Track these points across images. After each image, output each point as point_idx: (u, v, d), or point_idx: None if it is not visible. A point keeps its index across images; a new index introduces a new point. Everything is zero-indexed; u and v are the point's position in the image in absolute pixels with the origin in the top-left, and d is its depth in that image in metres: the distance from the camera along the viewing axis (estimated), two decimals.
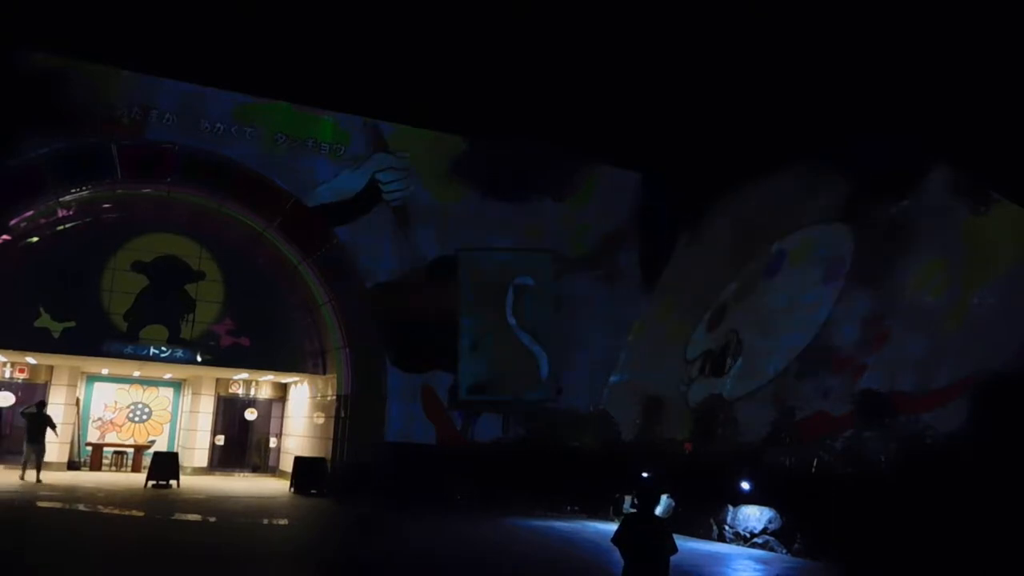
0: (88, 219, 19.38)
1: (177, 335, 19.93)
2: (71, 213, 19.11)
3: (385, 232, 20.64)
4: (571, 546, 14.19)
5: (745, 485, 14.79)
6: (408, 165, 20.98)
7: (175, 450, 22.22)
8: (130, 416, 23.93)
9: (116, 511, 14.94)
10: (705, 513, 15.51)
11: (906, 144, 15.80)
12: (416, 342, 20.42)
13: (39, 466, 18.89)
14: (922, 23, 15.84)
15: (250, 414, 24.53)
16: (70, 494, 16.72)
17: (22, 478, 18.63)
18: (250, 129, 19.80)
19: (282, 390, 24.98)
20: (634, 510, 7.48)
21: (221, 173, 19.38)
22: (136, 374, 23.38)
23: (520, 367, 21.12)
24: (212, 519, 15.05)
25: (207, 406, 23.82)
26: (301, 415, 23.35)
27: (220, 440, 23.94)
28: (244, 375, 23.48)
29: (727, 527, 15.14)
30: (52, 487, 17.73)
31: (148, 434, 23.90)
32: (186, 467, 21.52)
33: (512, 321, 21.20)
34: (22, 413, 20.17)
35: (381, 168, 20.78)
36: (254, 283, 20.57)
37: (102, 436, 23.32)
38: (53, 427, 19.64)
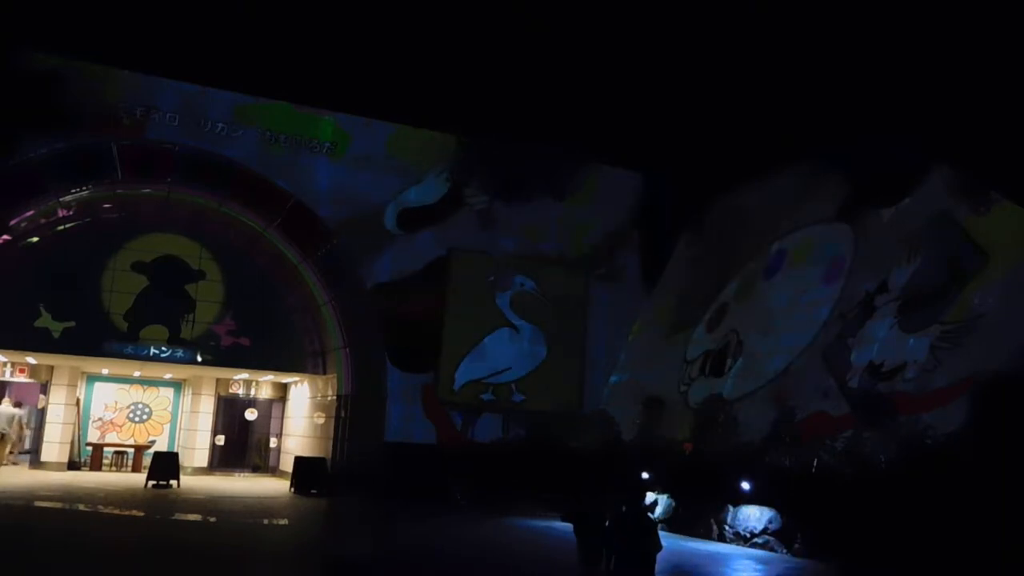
0: (88, 219, 19.38)
1: (177, 335, 19.94)
2: (71, 213, 19.11)
3: (384, 232, 20.67)
4: (571, 546, 14.16)
5: (745, 485, 14.79)
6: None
7: (175, 450, 22.22)
8: (130, 416, 23.93)
9: (116, 511, 14.94)
10: (705, 513, 15.50)
11: (906, 144, 15.79)
12: (416, 342, 20.44)
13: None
14: (922, 23, 15.83)
15: (250, 414, 24.53)
16: (70, 494, 16.72)
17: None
18: (250, 129, 19.81)
19: (282, 390, 24.98)
20: (624, 509, 7.54)
21: (221, 173, 19.39)
22: (136, 374, 23.38)
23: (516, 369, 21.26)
24: (212, 519, 15.05)
25: (207, 406, 23.81)
26: (301, 415, 23.35)
27: (220, 440, 23.93)
28: (244, 375, 23.49)
29: (727, 527, 15.13)
30: (52, 487, 17.74)
31: (148, 434, 23.91)
32: (186, 467, 21.51)
33: (517, 322, 21.28)
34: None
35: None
36: (254, 283, 20.58)
37: (102, 436, 23.32)
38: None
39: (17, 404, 22.16)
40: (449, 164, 21.25)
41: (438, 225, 21.01)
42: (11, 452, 22.24)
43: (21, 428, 22.12)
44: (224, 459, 23.94)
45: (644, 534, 6.87)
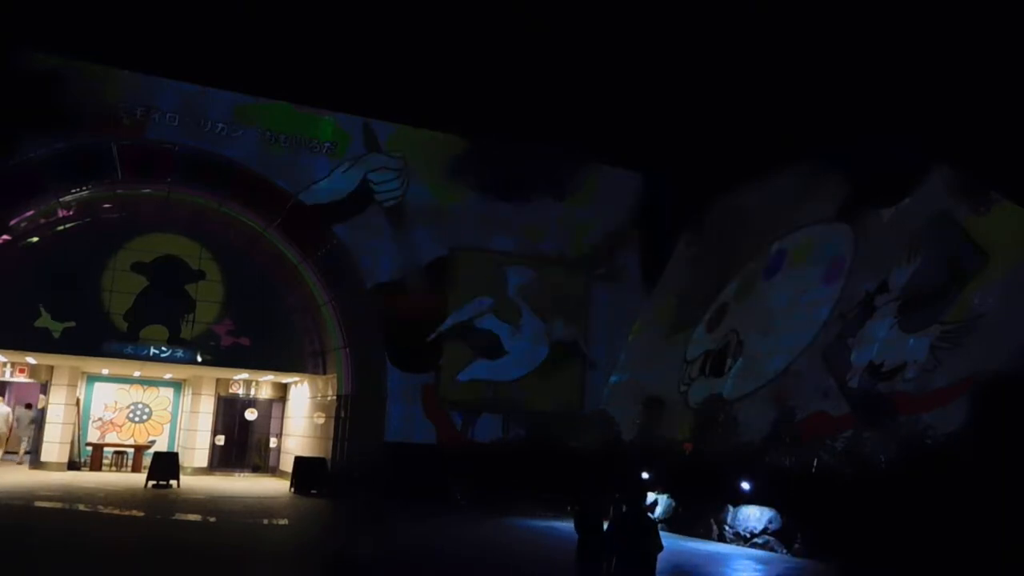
0: (88, 219, 19.38)
1: (177, 335, 19.93)
2: (71, 213, 19.11)
3: (385, 232, 20.67)
4: (571, 546, 14.15)
5: (745, 485, 14.79)
6: (402, 165, 20.95)
7: (175, 450, 22.21)
8: (130, 416, 23.92)
9: (116, 511, 14.95)
10: (705, 513, 15.50)
11: (906, 144, 15.79)
12: (416, 342, 20.44)
13: None
14: (922, 23, 15.83)
15: (250, 414, 24.52)
16: (70, 494, 16.72)
17: None
18: (250, 129, 19.80)
19: (282, 390, 24.98)
20: (624, 509, 7.56)
21: (221, 173, 19.40)
22: (136, 374, 23.37)
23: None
24: (212, 519, 15.06)
25: (207, 406, 23.80)
26: (301, 415, 23.35)
27: (220, 440, 23.93)
28: (244, 375, 23.48)
29: (727, 527, 15.13)
30: (52, 487, 17.73)
31: (148, 434, 23.90)
32: (186, 467, 21.51)
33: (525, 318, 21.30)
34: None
35: (373, 168, 20.74)
36: (254, 283, 20.57)
37: (102, 436, 23.31)
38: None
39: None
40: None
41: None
42: (16, 452, 22.34)
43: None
44: (224, 459, 23.93)
45: (644, 534, 6.87)
